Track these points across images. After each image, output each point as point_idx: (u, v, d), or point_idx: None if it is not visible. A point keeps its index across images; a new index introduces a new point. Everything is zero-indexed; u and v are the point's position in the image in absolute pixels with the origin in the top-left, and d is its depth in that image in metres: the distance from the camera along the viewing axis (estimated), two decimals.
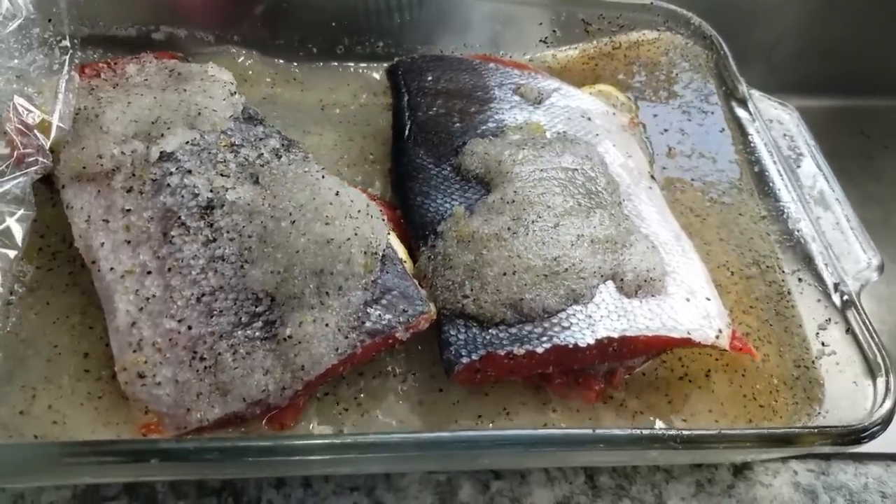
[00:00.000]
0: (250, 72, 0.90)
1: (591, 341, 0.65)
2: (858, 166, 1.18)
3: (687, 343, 0.68)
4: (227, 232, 0.64)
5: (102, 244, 0.64)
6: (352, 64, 0.93)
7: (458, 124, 0.81)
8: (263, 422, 0.62)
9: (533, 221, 0.70)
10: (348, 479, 0.69)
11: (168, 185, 0.66)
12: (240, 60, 0.90)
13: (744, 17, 1.14)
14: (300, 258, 0.62)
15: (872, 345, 0.69)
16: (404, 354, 0.69)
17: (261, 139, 0.71)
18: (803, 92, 1.07)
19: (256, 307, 0.62)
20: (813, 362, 0.72)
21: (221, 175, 0.66)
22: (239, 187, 0.66)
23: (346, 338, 0.61)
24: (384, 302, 0.64)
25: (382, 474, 0.69)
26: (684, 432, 0.59)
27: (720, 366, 0.73)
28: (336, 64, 0.93)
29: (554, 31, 0.95)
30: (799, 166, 0.83)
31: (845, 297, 0.73)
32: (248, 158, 0.68)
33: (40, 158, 0.64)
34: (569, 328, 0.66)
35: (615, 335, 0.66)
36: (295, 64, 0.92)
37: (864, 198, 1.14)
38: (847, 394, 0.69)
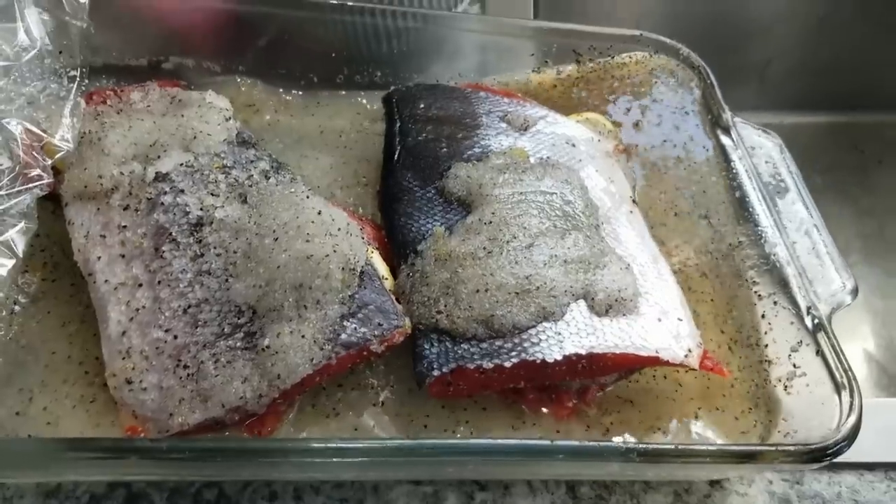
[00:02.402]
0: (254, 100, 0.95)
1: (559, 357, 0.68)
2: (853, 181, 1.19)
3: (655, 362, 0.70)
4: (215, 248, 0.68)
5: (99, 258, 0.68)
6: (350, 92, 0.98)
7: (444, 149, 0.85)
8: (243, 429, 0.65)
9: (508, 241, 0.73)
10: (338, 490, 0.72)
11: (162, 203, 0.70)
12: (244, 89, 0.95)
13: (737, 37, 1.16)
14: (281, 273, 0.66)
15: (840, 366, 0.70)
16: (384, 368, 0.72)
17: (252, 161, 0.75)
18: (797, 109, 1.08)
19: (238, 319, 0.66)
20: (785, 385, 0.74)
21: (212, 195, 0.71)
22: (227, 206, 0.70)
23: (322, 349, 0.64)
24: (360, 316, 0.67)
25: (371, 487, 0.72)
26: (642, 446, 0.61)
27: (693, 384, 0.75)
28: (336, 92, 0.97)
29: (546, 61, 0.98)
30: (779, 192, 0.85)
31: (816, 321, 0.74)
32: (237, 179, 0.73)
33: (44, 176, 0.68)
34: (538, 344, 0.68)
35: (583, 352, 0.68)
36: (297, 92, 0.97)
37: (859, 212, 1.14)
38: (815, 413, 0.70)
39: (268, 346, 0.63)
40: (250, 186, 0.72)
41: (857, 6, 1.17)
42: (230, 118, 0.78)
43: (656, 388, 0.75)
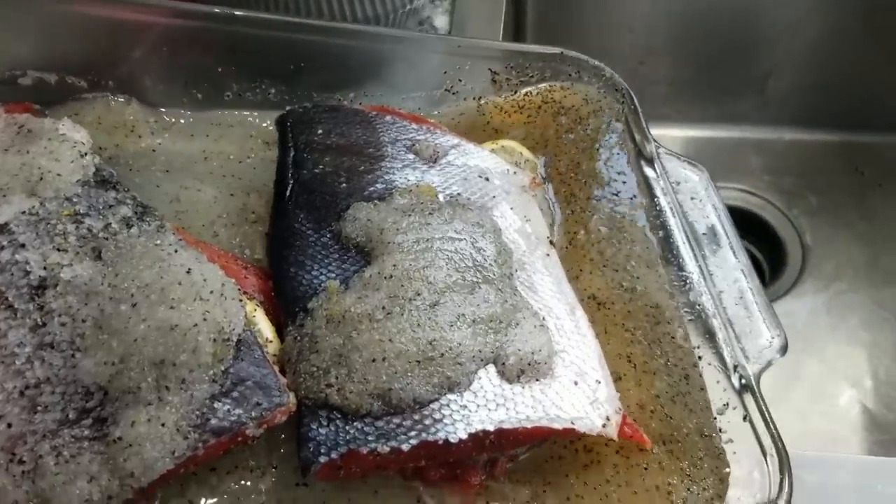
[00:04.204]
0: (128, 120, 0.83)
1: (464, 435, 0.60)
2: (851, 204, 1.14)
3: (570, 433, 0.63)
4: (59, 316, 0.58)
5: None
6: (241, 112, 0.87)
7: (344, 185, 0.76)
8: None
9: (410, 299, 0.64)
10: None
11: None
12: (116, 108, 0.84)
13: (737, 48, 1.09)
14: (138, 347, 0.56)
15: (769, 436, 0.65)
16: (265, 445, 0.63)
17: (110, 206, 0.64)
18: (798, 125, 1.02)
19: (87, 402, 0.56)
20: (714, 450, 0.68)
21: (58, 250, 0.60)
22: (77, 264, 0.60)
23: (186, 438, 0.55)
24: (235, 394, 0.58)
25: None
26: None
27: (614, 450, 0.68)
28: (223, 112, 0.86)
29: (459, 80, 0.90)
30: (704, 233, 0.79)
31: (744, 381, 0.69)
32: (91, 230, 0.62)
33: None
34: (441, 420, 0.60)
35: (491, 428, 0.61)
36: (178, 111, 0.86)
37: (853, 237, 1.10)
38: (744, 485, 0.65)
39: (119, 438, 0.54)
40: (106, 239, 0.62)
41: (863, 23, 1.11)
42: (86, 153, 0.67)
43: (573, 454, 0.68)
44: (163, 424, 0.54)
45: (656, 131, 0.99)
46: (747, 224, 1.18)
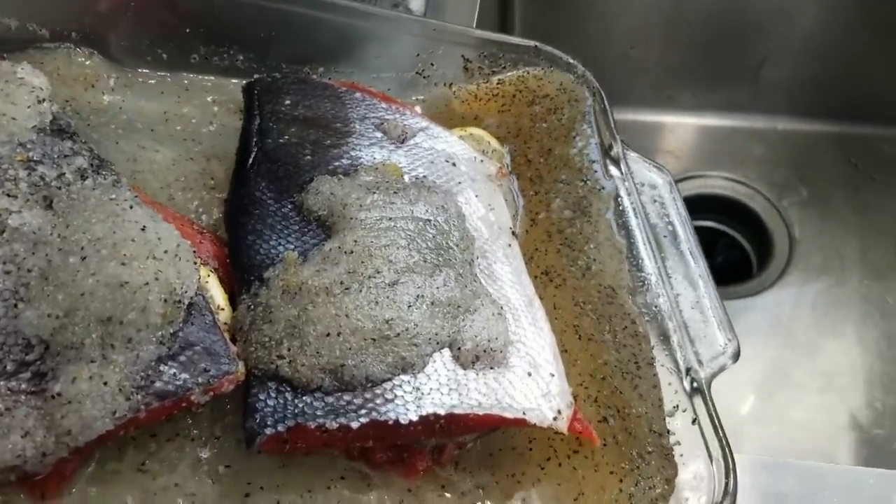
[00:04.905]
0: (88, 74, 0.80)
1: (415, 417, 0.59)
2: (842, 196, 1.12)
3: (521, 423, 0.63)
4: (4, 263, 0.55)
5: None
6: (206, 76, 0.85)
7: (308, 157, 0.74)
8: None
9: (369, 277, 0.63)
10: None
11: None
12: (78, 60, 0.81)
13: (731, 36, 1.06)
14: (85, 302, 0.54)
15: (716, 440, 0.66)
16: (209, 413, 0.61)
17: (66, 156, 0.62)
18: (792, 115, 0.99)
19: (26, 355, 0.53)
20: (662, 450, 0.68)
21: (8, 195, 0.57)
22: (26, 211, 0.57)
23: (128, 399, 0.53)
24: (182, 359, 0.56)
25: None
26: None
27: (563, 444, 0.68)
28: (188, 74, 0.84)
29: (431, 64, 0.89)
30: (665, 236, 0.80)
31: (695, 385, 0.69)
32: (44, 178, 0.60)
33: None
34: (392, 401, 0.59)
35: (442, 412, 0.60)
36: (142, 70, 0.83)
37: (843, 230, 1.08)
38: (690, 488, 0.65)
39: (59, 394, 0.52)
40: (59, 188, 0.59)
41: (861, 13, 1.10)
42: (44, 100, 0.65)
43: (522, 447, 0.67)
44: (105, 383, 0.52)
45: (645, 118, 0.97)
46: (735, 214, 1.17)
